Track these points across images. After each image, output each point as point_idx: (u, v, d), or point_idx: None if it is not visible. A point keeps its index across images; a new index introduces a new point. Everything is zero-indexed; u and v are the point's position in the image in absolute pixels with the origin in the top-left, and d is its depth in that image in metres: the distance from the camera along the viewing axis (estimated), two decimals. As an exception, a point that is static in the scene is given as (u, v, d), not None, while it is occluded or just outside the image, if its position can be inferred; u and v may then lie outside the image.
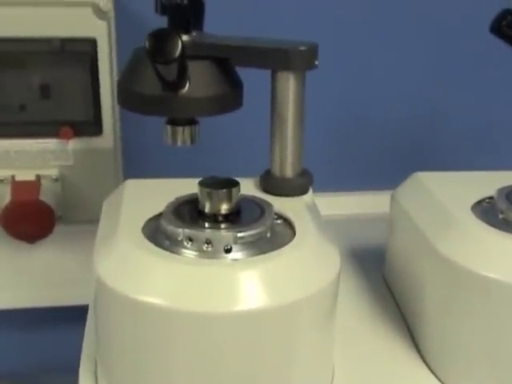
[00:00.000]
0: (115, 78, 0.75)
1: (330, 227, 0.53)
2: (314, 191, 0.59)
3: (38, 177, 0.77)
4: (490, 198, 0.57)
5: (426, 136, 0.95)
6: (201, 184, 0.50)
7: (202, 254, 0.46)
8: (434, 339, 0.56)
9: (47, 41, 0.72)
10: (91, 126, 0.76)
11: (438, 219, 0.56)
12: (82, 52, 0.74)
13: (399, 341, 0.59)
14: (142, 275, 0.45)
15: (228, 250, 0.46)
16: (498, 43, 0.59)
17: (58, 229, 0.77)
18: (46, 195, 0.76)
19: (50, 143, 0.76)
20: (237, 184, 0.50)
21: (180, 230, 0.47)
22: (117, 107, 0.77)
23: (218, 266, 0.45)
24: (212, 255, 0.46)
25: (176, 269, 0.45)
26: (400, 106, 0.93)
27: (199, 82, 0.54)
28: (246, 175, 0.60)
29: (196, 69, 0.53)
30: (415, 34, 0.90)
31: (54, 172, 0.78)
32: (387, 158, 0.94)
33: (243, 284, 0.44)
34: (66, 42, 0.72)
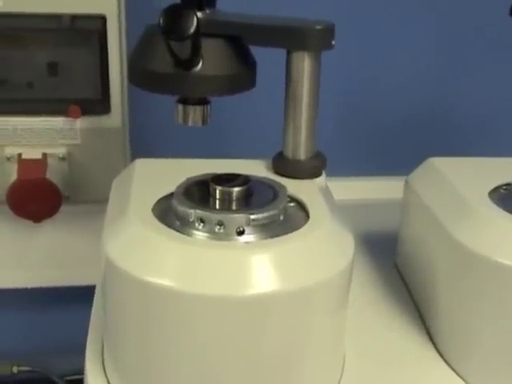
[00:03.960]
0: (124, 56, 0.74)
1: (342, 212, 0.52)
2: (326, 175, 0.58)
3: (45, 155, 0.76)
4: (508, 184, 0.56)
5: (441, 121, 0.94)
6: (212, 181, 0.49)
7: (214, 235, 0.45)
8: (446, 327, 0.55)
9: (57, 17, 0.71)
10: (99, 104, 0.75)
11: (454, 206, 0.55)
12: (91, 29, 0.73)
13: (411, 328, 0.58)
14: (152, 256, 0.44)
15: (240, 233, 0.45)
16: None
17: (65, 208, 0.77)
18: (53, 174, 0.76)
19: (57, 121, 0.76)
20: (248, 181, 0.49)
21: (192, 211, 0.46)
22: (125, 86, 0.76)
23: (230, 249, 0.44)
24: (224, 237, 0.45)
25: (187, 250, 0.44)
26: (414, 90, 0.92)
27: (212, 60, 0.53)
28: (257, 157, 0.59)
29: (209, 47, 0.52)
30: (428, 17, 0.90)
31: (61, 151, 0.77)
32: (400, 143, 0.93)
33: (255, 267, 0.43)
34: (75, 18, 0.71)
